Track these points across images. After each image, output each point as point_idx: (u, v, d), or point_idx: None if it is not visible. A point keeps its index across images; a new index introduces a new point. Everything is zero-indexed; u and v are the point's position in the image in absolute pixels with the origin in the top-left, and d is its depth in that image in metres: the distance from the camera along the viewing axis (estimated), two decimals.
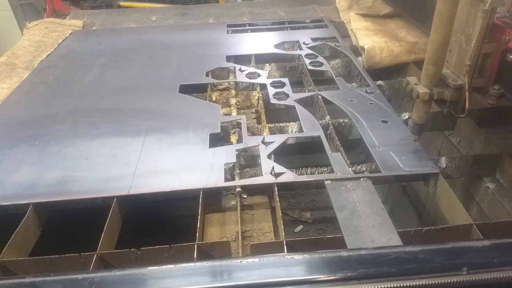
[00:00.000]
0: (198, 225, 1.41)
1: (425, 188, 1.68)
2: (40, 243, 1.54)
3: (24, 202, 1.50)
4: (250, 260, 0.96)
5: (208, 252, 1.31)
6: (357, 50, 2.65)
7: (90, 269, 1.25)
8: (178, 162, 1.68)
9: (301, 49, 2.72)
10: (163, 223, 2.06)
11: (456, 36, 1.48)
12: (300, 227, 3.07)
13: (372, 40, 2.55)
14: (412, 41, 2.52)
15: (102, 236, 1.37)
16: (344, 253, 0.98)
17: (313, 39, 2.85)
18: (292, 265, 0.96)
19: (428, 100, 1.52)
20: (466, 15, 1.42)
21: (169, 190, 1.53)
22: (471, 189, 1.87)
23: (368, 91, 2.18)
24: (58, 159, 1.72)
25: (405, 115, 1.98)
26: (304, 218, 3.14)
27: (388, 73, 2.55)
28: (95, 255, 1.29)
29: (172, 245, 1.30)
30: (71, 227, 1.85)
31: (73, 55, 2.80)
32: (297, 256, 0.97)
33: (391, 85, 2.31)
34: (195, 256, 1.25)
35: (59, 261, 1.30)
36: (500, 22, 1.42)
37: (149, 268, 0.95)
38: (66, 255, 1.30)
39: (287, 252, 1.27)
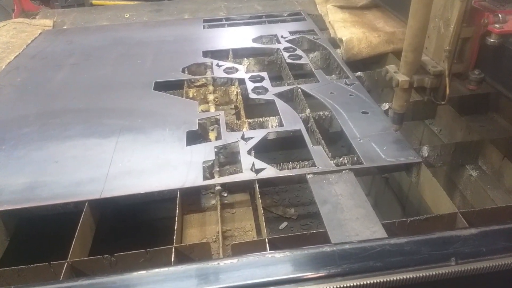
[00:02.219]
0: (176, 227, 1.34)
1: (407, 178, 1.65)
2: (9, 253, 1.46)
3: None
4: (228, 261, 0.90)
5: (187, 255, 1.25)
6: (335, 42, 2.62)
7: (61, 279, 1.17)
8: (154, 162, 1.60)
9: (279, 42, 2.67)
10: (140, 227, 1.98)
11: (434, 21, 1.45)
12: (284, 224, 3.02)
13: (350, 31, 2.52)
14: (390, 31, 2.50)
15: (73, 243, 1.29)
16: (327, 249, 0.93)
17: (291, 33, 2.81)
18: (273, 264, 0.90)
19: (408, 88, 1.48)
20: (444, 0, 1.39)
21: (144, 192, 1.46)
22: (454, 178, 1.86)
23: (348, 82, 2.15)
24: (25, 164, 1.62)
25: (386, 106, 1.95)
26: (288, 215, 3.10)
27: (367, 65, 2.52)
28: (66, 263, 1.21)
29: (148, 250, 1.23)
30: (42, 235, 1.75)
31: (42, 55, 2.69)
32: (278, 254, 0.92)
33: (370, 76, 2.28)
34: (172, 260, 1.19)
35: (27, 271, 1.22)
36: (478, 5, 1.39)
37: (119, 275, 0.88)
38: (35, 264, 1.22)
39: (269, 250, 1.21)
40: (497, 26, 1.32)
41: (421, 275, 0.85)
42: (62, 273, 1.18)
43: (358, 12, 2.86)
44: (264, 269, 0.89)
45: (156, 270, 0.89)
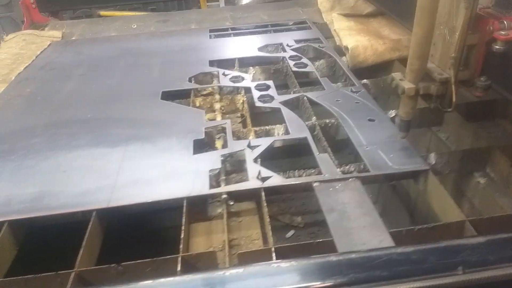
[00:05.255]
0: (182, 236, 1.35)
1: (415, 186, 1.64)
2: (18, 263, 1.47)
3: None
4: (234, 270, 0.90)
5: (193, 264, 1.25)
6: (341, 50, 2.63)
7: None
8: (161, 171, 1.61)
9: (285, 51, 2.68)
10: (148, 236, 1.98)
11: (439, 29, 1.46)
12: (291, 232, 3.00)
13: (355, 39, 2.52)
14: (396, 39, 2.50)
15: (81, 252, 1.30)
16: (333, 258, 0.92)
17: (297, 41, 2.82)
18: (279, 273, 0.90)
19: (414, 95, 1.48)
20: (448, 7, 1.39)
21: (151, 201, 1.46)
22: (462, 185, 1.84)
23: (354, 90, 2.15)
24: (34, 174, 1.64)
25: (392, 113, 1.94)
26: (295, 223, 3.08)
27: (373, 72, 2.52)
28: (73, 272, 1.22)
29: (154, 259, 1.23)
30: (50, 244, 1.76)
31: (51, 66, 2.73)
32: (284, 264, 0.92)
33: (377, 83, 2.28)
34: (178, 269, 1.19)
35: (34, 281, 1.23)
36: (483, 13, 1.39)
37: (126, 285, 0.89)
38: (42, 274, 1.23)
39: (276, 259, 1.21)
40: (503, 33, 1.32)
41: (427, 284, 0.84)
42: (69, 283, 1.19)
43: (363, 20, 2.87)
44: (270, 279, 0.89)
45: (162, 280, 0.89)
